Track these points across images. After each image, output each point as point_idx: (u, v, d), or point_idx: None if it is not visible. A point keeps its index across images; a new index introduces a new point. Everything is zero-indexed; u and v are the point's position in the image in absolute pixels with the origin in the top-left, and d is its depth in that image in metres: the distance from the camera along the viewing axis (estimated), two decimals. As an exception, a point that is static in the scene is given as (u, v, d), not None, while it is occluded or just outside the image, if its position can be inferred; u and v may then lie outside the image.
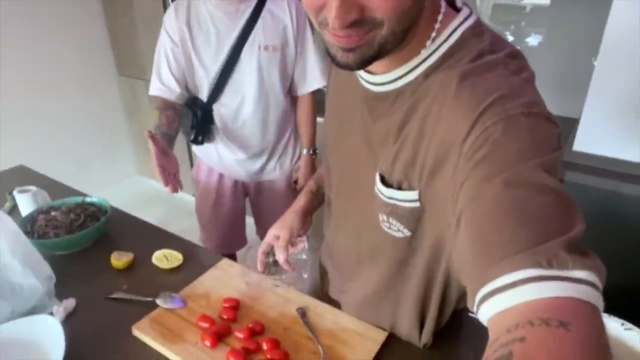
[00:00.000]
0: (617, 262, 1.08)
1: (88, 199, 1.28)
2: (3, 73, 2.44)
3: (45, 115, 2.73)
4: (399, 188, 0.65)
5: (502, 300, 0.41)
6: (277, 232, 0.95)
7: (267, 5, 1.41)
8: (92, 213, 1.21)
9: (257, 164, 1.62)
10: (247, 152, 1.57)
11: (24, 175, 1.59)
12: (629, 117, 1.46)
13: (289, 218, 0.97)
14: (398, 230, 0.69)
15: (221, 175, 1.66)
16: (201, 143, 1.57)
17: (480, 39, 0.58)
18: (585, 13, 1.86)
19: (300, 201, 1.01)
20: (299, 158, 1.71)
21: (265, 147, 1.58)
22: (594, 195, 1.41)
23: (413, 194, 0.63)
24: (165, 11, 2.55)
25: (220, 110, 1.50)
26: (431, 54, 0.59)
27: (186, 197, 3.28)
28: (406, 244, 0.71)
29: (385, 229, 0.71)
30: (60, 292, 0.99)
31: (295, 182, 1.70)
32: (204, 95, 1.48)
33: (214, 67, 1.42)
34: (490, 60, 0.56)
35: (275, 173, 1.67)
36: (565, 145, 1.64)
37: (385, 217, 0.69)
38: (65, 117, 2.84)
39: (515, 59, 0.57)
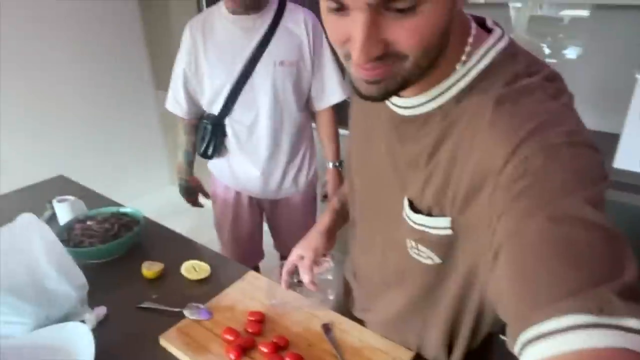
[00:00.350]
0: None
1: (122, 209, 1.31)
2: (46, 89, 2.57)
3: (85, 128, 2.85)
4: (429, 214, 0.63)
5: (551, 347, 0.39)
6: (302, 252, 0.94)
7: (283, 20, 1.41)
8: (126, 223, 1.24)
9: (273, 182, 1.60)
10: (261, 169, 1.56)
11: (63, 185, 1.66)
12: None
13: (314, 238, 0.96)
14: (427, 257, 0.67)
15: (237, 192, 1.66)
16: (211, 157, 1.58)
17: (514, 61, 0.56)
18: (626, 24, 1.79)
19: (324, 220, 0.99)
20: (315, 174, 1.70)
21: (279, 163, 1.57)
22: (637, 213, 1.34)
23: (445, 221, 0.61)
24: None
25: (234, 126, 1.50)
26: (462, 77, 0.57)
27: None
28: (435, 272, 0.68)
29: (414, 255, 0.69)
30: (93, 300, 1.01)
31: (325, 196, 1.69)
32: (216, 109, 1.49)
33: (228, 81, 1.43)
34: (527, 84, 0.53)
35: (291, 190, 1.65)
36: (606, 162, 1.57)
37: (413, 244, 0.67)
38: (103, 130, 2.96)
39: (554, 82, 0.54)
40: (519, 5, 2.06)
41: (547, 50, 2.05)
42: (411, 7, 0.46)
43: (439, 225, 0.62)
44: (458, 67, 0.57)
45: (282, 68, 1.41)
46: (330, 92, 1.52)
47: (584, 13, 1.89)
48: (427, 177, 0.62)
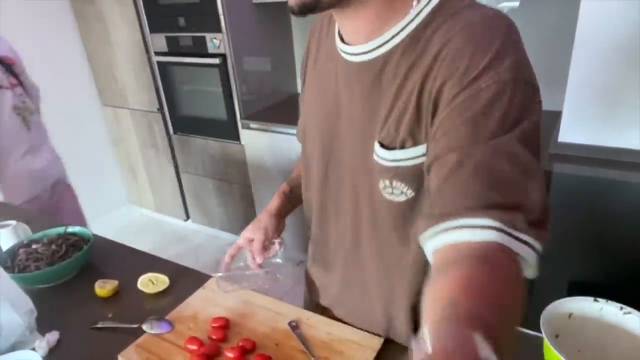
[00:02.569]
0: (607, 248, 1.07)
1: (70, 229, 1.24)
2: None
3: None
4: (402, 147, 0.65)
5: (443, 239, 0.53)
6: (251, 234, 0.92)
7: None
8: (74, 243, 1.18)
9: None
10: None
11: (4, 211, 1.56)
12: (608, 105, 1.47)
13: (264, 219, 0.94)
14: (401, 193, 0.68)
15: None
16: None
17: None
18: (552, 10, 1.89)
19: (274, 202, 0.97)
20: None
21: None
22: (582, 184, 1.40)
23: (421, 149, 0.63)
24: (142, 39, 2.57)
25: None
26: (416, 15, 0.61)
27: (176, 222, 3.26)
28: (409, 208, 0.70)
29: (387, 195, 0.70)
30: (44, 325, 0.95)
31: None
32: None
33: None
34: (480, 14, 0.59)
35: None
36: (551, 138, 1.64)
37: (387, 183, 0.69)
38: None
39: (499, 15, 0.60)
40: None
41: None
42: None
43: (415, 155, 0.64)
44: (414, 4, 0.62)
45: None
46: None
47: (515, 3, 1.99)
48: (399, 114, 0.64)
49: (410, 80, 0.62)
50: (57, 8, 2.72)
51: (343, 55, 0.70)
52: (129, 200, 3.39)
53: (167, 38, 2.46)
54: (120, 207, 3.35)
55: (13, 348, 0.88)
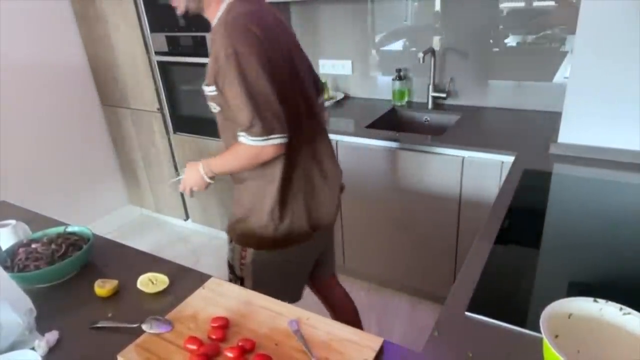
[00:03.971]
0: (607, 248, 1.07)
1: (69, 229, 1.24)
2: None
3: (30, 151, 2.71)
4: (207, 85, 1.20)
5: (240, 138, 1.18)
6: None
7: None
8: (74, 242, 1.18)
9: None
10: None
11: (5, 211, 1.55)
12: (608, 105, 1.47)
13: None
14: (214, 107, 1.24)
15: None
16: None
17: (229, 9, 1.18)
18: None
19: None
20: None
21: None
22: (582, 184, 1.40)
23: (213, 87, 1.18)
24: (143, 38, 2.56)
25: None
26: (220, 16, 1.20)
27: (176, 222, 3.25)
28: (222, 117, 1.25)
29: (214, 110, 1.25)
30: (44, 325, 0.95)
31: None
32: None
33: None
34: (230, 18, 1.15)
35: None
36: (551, 138, 1.64)
37: (209, 104, 1.24)
38: (50, 152, 2.82)
39: (238, 18, 1.13)
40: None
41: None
42: None
43: (212, 89, 1.19)
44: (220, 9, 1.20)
45: None
46: None
47: None
48: (209, 67, 1.18)
49: (211, 50, 1.16)
50: (57, 8, 2.72)
51: None
52: (129, 200, 3.39)
53: (168, 38, 2.46)
54: (120, 207, 3.34)
55: (12, 347, 0.88)
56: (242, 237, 1.34)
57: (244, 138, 1.16)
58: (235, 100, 1.12)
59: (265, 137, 1.13)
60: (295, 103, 1.23)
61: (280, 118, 1.15)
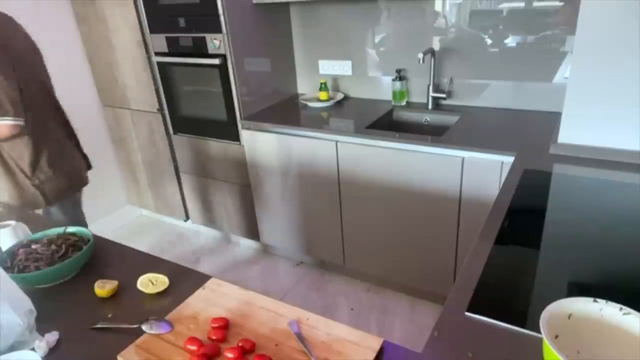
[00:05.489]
0: (607, 248, 1.07)
1: (69, 229, 1.24)
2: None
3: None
4: None
5: None
6: None
7: None
8: (74, 243, 1.18)
9: None
10: None
11: (4, 212, 1.55)
12: (608, 106, 1.47)
13: None
14: None
15: None
16: None
17: None
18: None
19: None
20: None
21: None
22: (582, 184, 1.40)
23: None
24: (143, 39, 2.57)
25: None
26: None
27: (176, 222, 3.25)
28: None
29: None
30: (44, 326, 0.95)
31: None
32: None
33: None
34: None
35: None
36: (551, 138, 1.64)
37: None
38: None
39: None
40: (459, 1, 2.13)
41: (489, 41, 2.13)
42: None
43: None
44: None
45: None
46: None
47: (521, 4, 1.99)
48: None
49: None
50: (57, 9, 2.72)
51: None
52: (129, 200, 3.39)
53: (168, 38, 2.46)
54: (120, 207, 3.34)
55: (12, 348, 0.88)
56: None
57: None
58: None
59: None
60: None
61: (15, 105, 1.48)
